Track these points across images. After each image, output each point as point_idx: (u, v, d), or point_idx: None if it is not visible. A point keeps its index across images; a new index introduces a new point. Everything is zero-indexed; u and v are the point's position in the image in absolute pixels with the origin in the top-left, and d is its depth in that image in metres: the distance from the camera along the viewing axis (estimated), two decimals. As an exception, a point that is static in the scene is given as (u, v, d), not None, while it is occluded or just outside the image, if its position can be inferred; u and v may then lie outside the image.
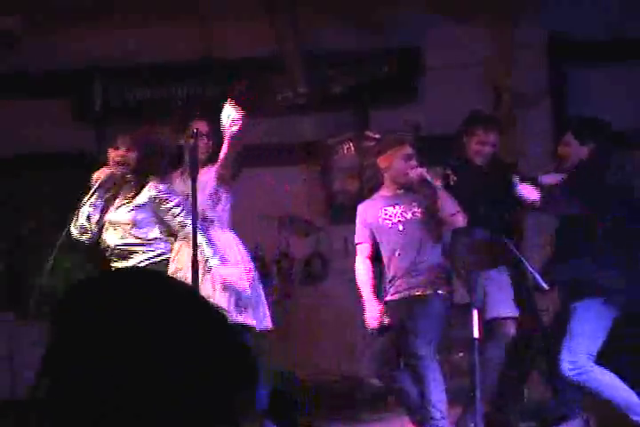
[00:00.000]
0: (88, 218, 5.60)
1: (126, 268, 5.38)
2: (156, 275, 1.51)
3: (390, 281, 5.63)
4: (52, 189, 7.83)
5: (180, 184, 5.59)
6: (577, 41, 7.34)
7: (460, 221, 5.47)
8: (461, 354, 6.64)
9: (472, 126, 5.85)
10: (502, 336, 5.58)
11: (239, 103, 4.97)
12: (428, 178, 5.48)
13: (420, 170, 5.51)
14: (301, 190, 7.62)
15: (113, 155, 5.50)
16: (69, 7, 7.44)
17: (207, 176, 5.39)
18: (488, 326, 5.49)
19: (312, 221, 7.47)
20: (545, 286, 5.04)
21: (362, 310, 5.88)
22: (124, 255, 5.54)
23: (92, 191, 5.56)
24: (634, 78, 7.27)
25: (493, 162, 5.96)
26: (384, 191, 5.75)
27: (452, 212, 5.45)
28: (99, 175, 5.55)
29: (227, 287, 5.34)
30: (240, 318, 5.29)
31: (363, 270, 5.73)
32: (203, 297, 1.47)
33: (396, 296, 5.58)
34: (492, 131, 5.87)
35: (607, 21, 7.27)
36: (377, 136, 7.44)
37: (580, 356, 5.25)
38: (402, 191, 5.66)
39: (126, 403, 1.31)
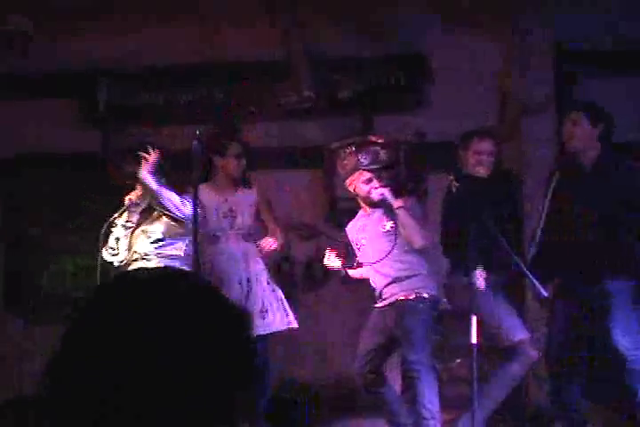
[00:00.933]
0: (117, 240, 5.73)
1: (141, 269, 5.46)
2: (166, 272, 1.49)
3: (375, 293, 5.90)
4: (52, 189, 7.84)
5: (205, 195, 5.75)
6: (584, 49, 7.32)
7: (417, 242, 5.73)
8: (459, 360, 6.65)
9: (465, 140, 5.92)
10: (528, 357, 5.60)
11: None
12: (388, 198, 5.79)
13: (380, 191, 5.83)
14: (304, 194, 7.62)
15: (134, 197, 5.78)
16: (69, 8, 7.46)
17: (249, 198, 6.04)
18: (514, 346, 5.54)
19: (314, 224, 7.48)
20: (545, 293, 5.04)
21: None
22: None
23: (121, 211, 5.73)
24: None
25: (497, 173, 6.00)
26: (361, 211, 6.10)
27: (411, 232, 5.72)
28: (131, 197, 5.71)
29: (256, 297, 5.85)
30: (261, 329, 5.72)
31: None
32: (219, 295, 1.44)
33: (382, 303, 5.75)
34: (485, 139, 5.93)
35: (613, 29, 7.25)
36: (380, 141, 7.45)
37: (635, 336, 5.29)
38: (372, 210, 5.97)
39: (127, 403, 1.30)
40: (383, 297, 5.80)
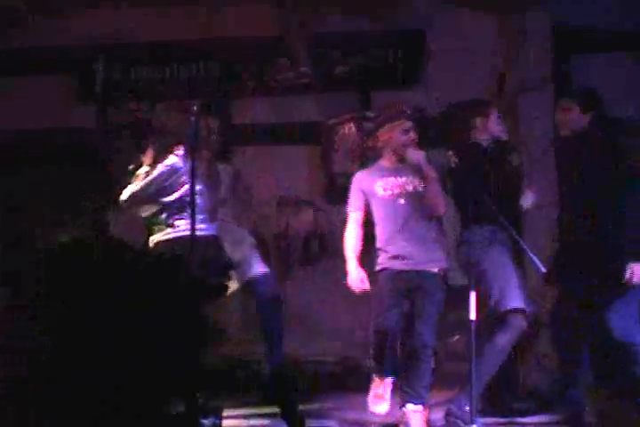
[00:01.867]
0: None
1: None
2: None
3: (386, 251, 5.68)
4: (52, 188, 7.81)
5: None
6: (581, 28, 7.31)
7: (442, 209, 5.66)
8: (457, 337, 6.66)
9: (483, 108, 5.87)
10: (515, 328, 5.56)
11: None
12: (422, 164, 5.61)
13: (418, 153, 5.63)
14: (302, 170, 7.62)
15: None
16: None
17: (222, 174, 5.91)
18: (502, 315, 5.52)
19: (312, 201, 7.48)
20: (542, 268, 5.05)
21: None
22: None
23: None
24: (637, 66, 7.26)
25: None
26: (385, 162, 5.83)
27: (437, 198, 5.64)
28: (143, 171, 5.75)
29: None
30: None
31: (353, 237, 5.78)
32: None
33: (403, 267, 5.62)
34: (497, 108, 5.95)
35: (611, 9, 7.25)
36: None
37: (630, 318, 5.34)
38: (403, 164, 5.75)
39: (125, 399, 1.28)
40: (405, 261, 5.65)
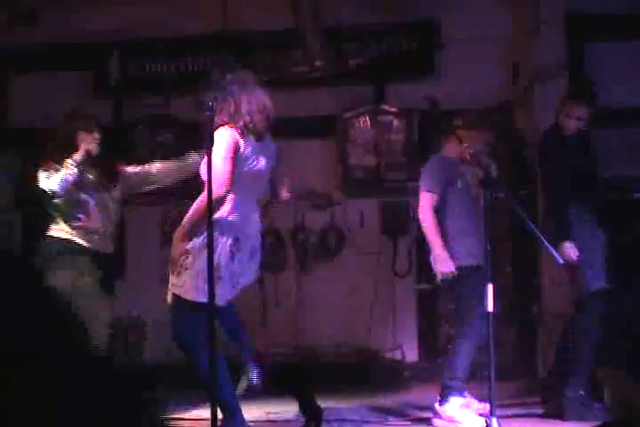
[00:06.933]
0: None
1: None
2: None
3: (461, 245, 5.59)
4: None
5: None
6: (595, 15, 7.27)
7: None
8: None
9: (568, 104, 5.90)
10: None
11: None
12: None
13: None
14: (318, 164, 7.61)
15: None
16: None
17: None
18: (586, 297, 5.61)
19: (328, 194, 7.48)
20: (560, 260, 5.04)
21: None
22: None
23: None
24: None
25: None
26: (454, 155, 5.70)
27: None
28: None
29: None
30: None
31: (432, 219, 5.53)
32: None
33: (475, 262, 5.55)
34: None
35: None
36: (393, 110, 7.45)
37: None
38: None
39: None
40: (476, 255, 5.51)
